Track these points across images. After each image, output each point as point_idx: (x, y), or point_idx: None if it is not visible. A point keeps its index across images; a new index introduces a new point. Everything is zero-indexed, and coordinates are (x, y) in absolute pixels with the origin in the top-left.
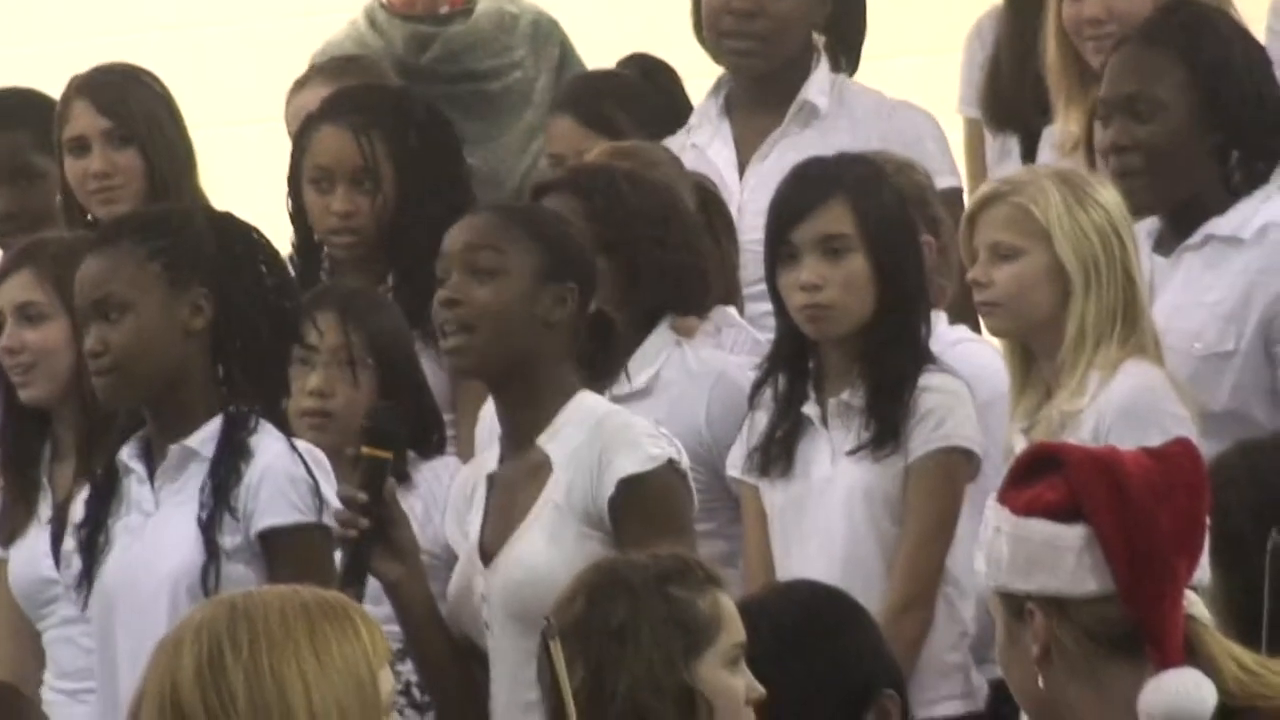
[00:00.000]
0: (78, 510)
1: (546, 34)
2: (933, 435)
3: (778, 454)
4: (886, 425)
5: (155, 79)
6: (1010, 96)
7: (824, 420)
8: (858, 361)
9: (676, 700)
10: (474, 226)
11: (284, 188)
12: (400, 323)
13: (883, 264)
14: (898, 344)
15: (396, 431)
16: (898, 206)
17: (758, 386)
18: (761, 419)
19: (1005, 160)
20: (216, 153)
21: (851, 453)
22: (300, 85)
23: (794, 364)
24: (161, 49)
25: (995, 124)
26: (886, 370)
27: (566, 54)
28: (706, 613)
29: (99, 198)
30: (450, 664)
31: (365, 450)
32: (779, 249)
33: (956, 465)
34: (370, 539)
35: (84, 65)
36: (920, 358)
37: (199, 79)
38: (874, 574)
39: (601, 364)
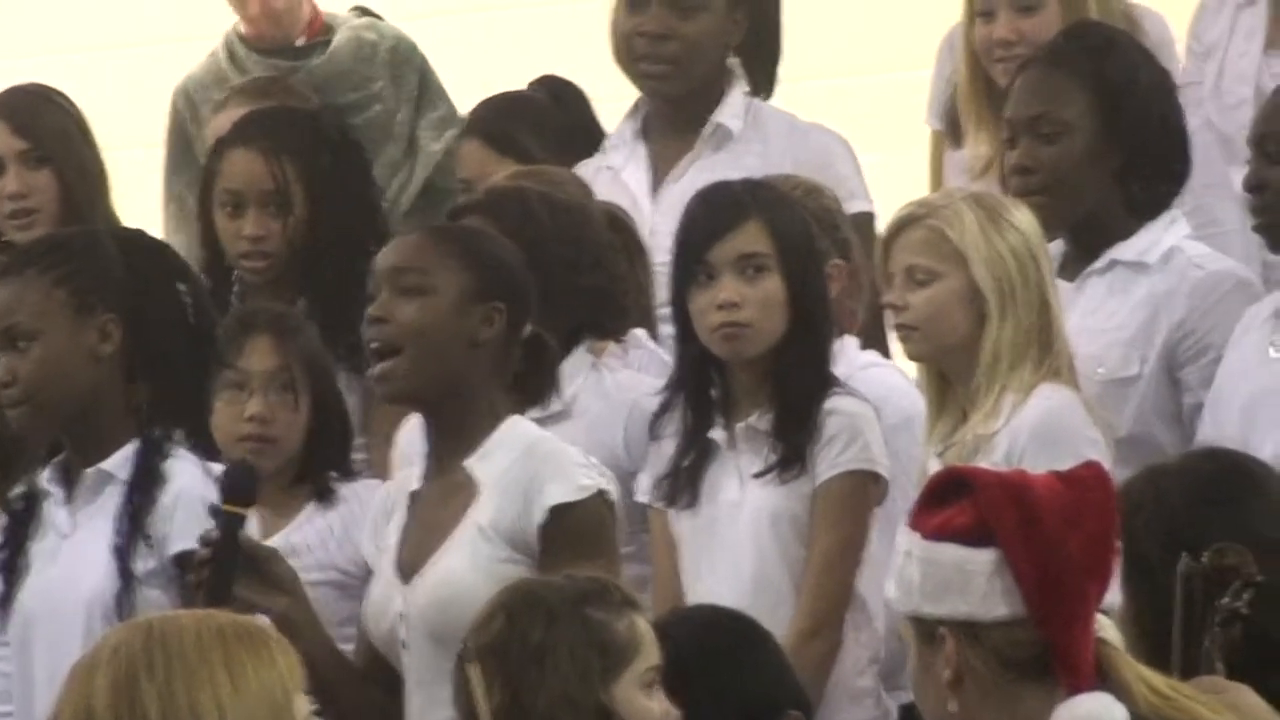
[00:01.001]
0: None
1: (405, 59)
2: (839, 459)
3: (684, 483)
4: (793, 448)
5: (67, 99)
6: None
7: (731, 444)
8: (766, 384)
9: None
10: (403, 246)
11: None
12: (319, 341)
13: (795, 286)
14: (805, 367)
15: (253, 488)
16: (807, 229)
17: (660, 413)
18: (668, 445)
19: (965, 174)
20: (125, 174)
21: (758, 476)
22: (220, 106)
23: (698, 389)
24: (69, 71)
25: (955, 139)
26: (794, 393)
27: (426, 81)
28: (624, 635)
29: (14, 222)
30: (349, 689)
31: (225, 506)
32: (693, 269)
33: (864, 488)
34: (213, 590)
35: None
36: (826, 381)
37: (107, 100)
38: (783, 597)
39: (533, 385)
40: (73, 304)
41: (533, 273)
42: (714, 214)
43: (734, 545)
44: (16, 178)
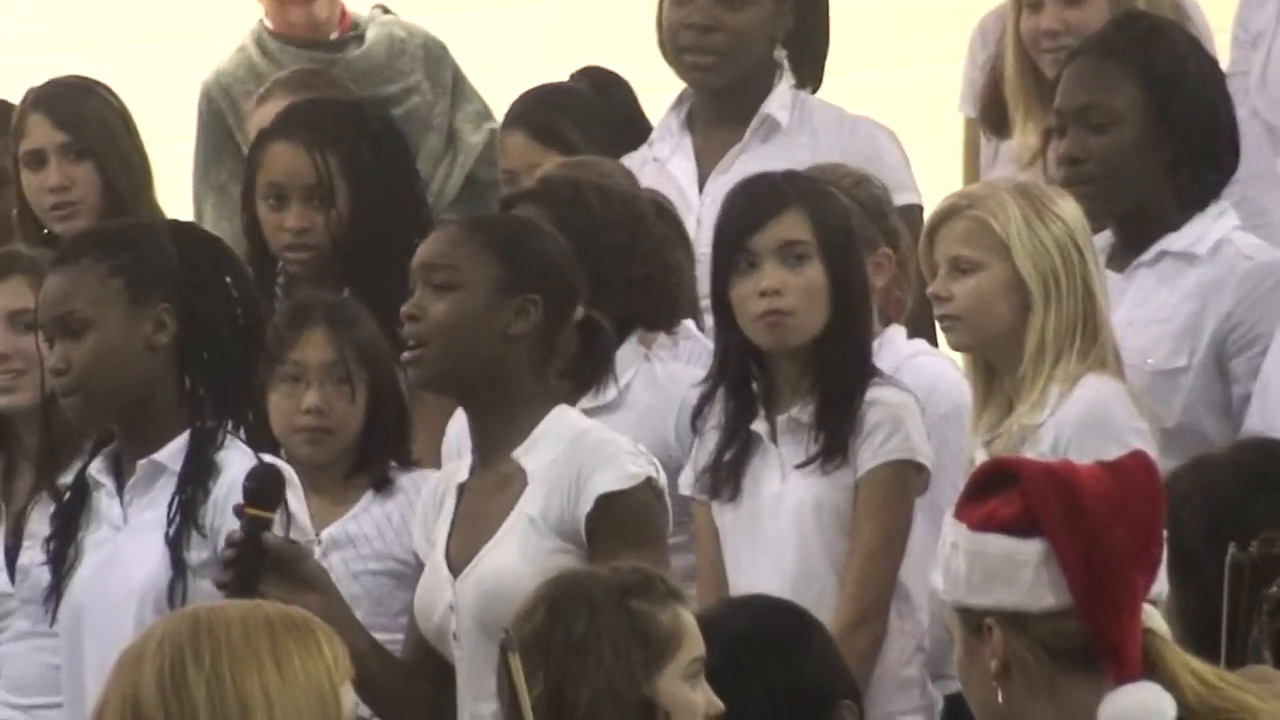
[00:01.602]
0: (38, 524)
1: (438, 57)
2: (881, 449)
3: (726, 476)
4: (835, 439)
5: (110, 92)
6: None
7: (773, 437)
8: (807, 375)
9: (636, 713)
10: (436, 242)
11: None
12: (379, 332)
13: (836, 275)
14: (847, 357)
15: (278, 491)
16: (847, 220)
17: (701, 405)
18: (710, 438)
19: (996, 165)
20: (172, 167)
21: (800, 467)
22: (263, 100)
23: (739, 380)
24: (116, 63)
25: (990, 127)
26: (836, 383)
27: (458, 77)
28: (667, 626)
29: (56, 214)
30: (391, 682)
31: (248, 510)
32: (735, 257)
33: (906, 478)
34: (236, 591)
35: (40, 79)
36: (868, 371)
37: (154, 93)
38: (826, 589)
39: (587, 370)
40: (128, 294)
41: (585, 262)
42: (756, 202)
43: (777, 537)
44: (58, 170)
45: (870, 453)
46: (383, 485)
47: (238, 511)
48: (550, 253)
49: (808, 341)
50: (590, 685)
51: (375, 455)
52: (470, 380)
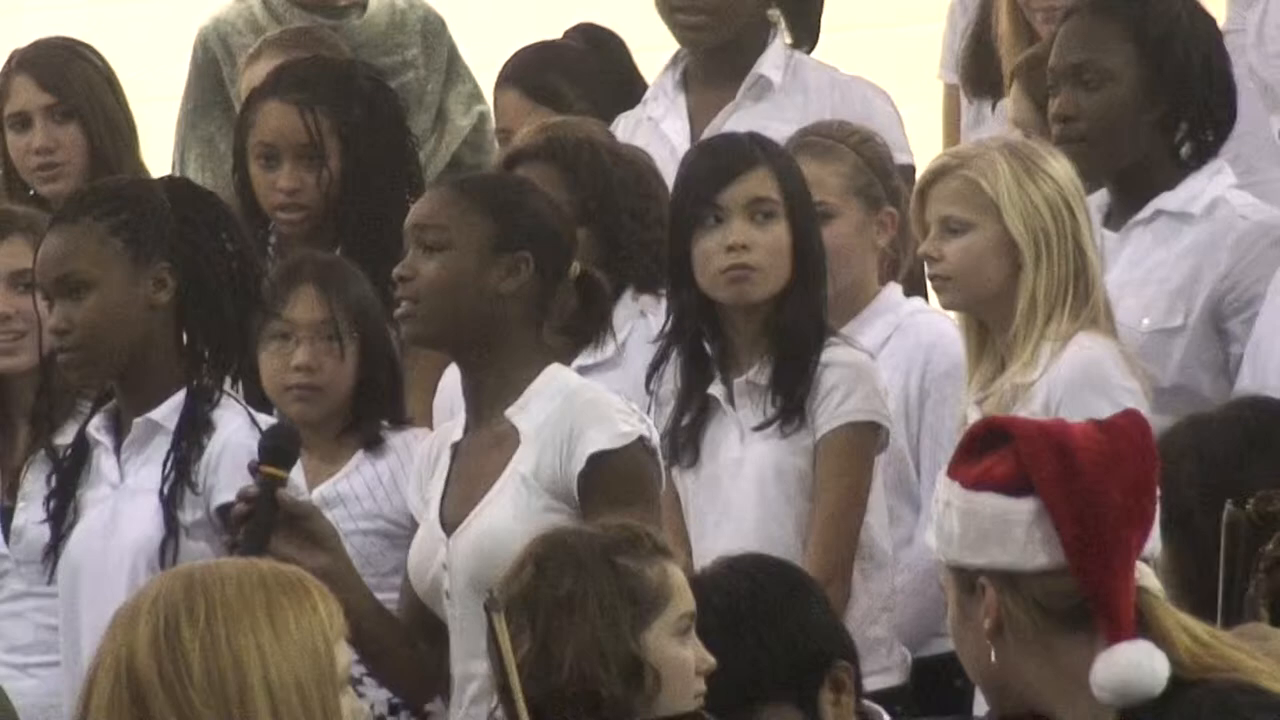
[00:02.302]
0: (33, 484)
1: (436, 33)
2: (839, 410)
3: (685, 441)
4: (792, 401)
5: (96, 53)
6: (988, 63)
7: (730, 400)
8: (764, 336)
9: (623, 670)
10: (427, 202)
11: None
12: (370, 289)
13: (800, 236)
14: (805, 319)
15: (294, 451)
16: (806, 184)
17: (655, 366)
18: (667, 402)
19: (979, 126)
20: (159, 127)
21: (758, 429)
22: (253, 59)
23: (694, 343)
24: (101, 21)
25: (972, 90)
26: (792, 344)
27: (454, 55)
28: (655, 583)
29: (41, 175)
30: (392, 643)
31: (264, 468)
32: (701, 212)
33: (865, 439)
34: (248, 548)
35: (23, 40)
36: (823, 331)
37: (139, 52)
38: (789, 552)
39: (585, 325)
40: (129, 254)
41: (601, 224)
42: (725, 159)
43: (738, 502)
44: (43, 132)
45: (828, 414)
46: (374, 444)
47: (253, 469)
48: (541, 210)
49: (767, 299)
50: (576, 642)
51: (366, 414)
52: (463, 338)
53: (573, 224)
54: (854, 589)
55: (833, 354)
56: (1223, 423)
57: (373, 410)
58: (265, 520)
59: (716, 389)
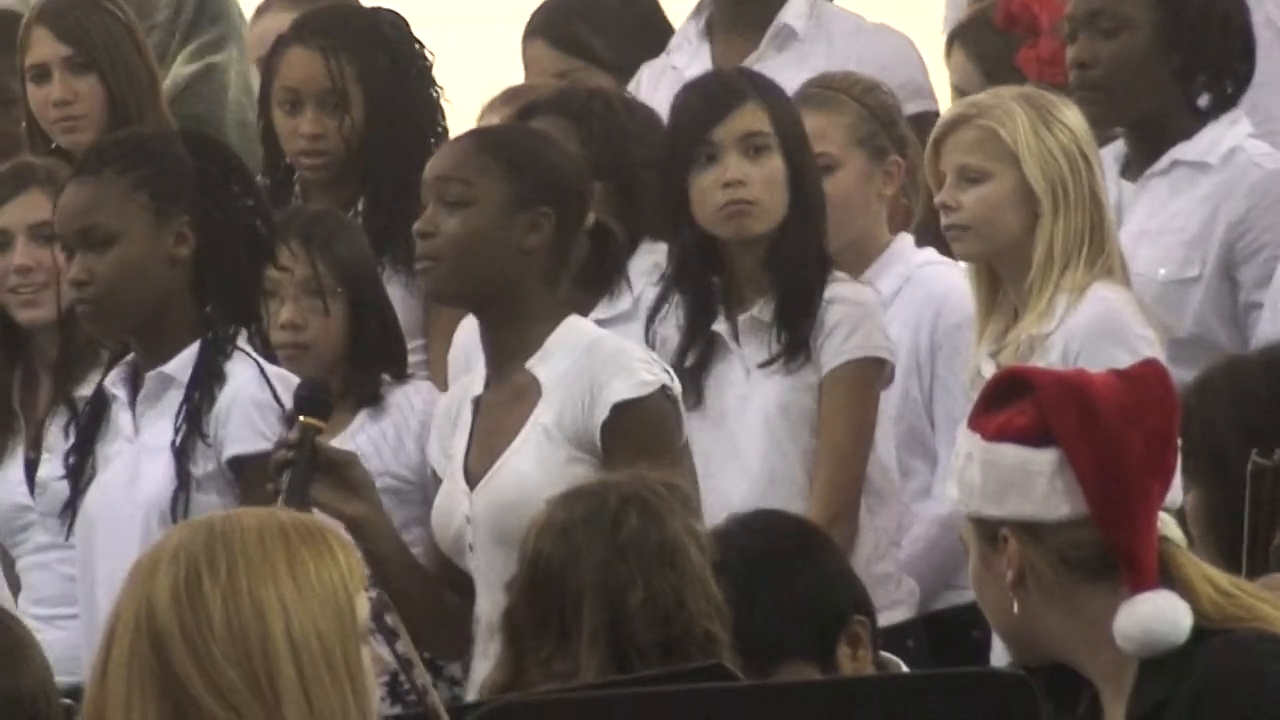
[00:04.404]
0: (56, 437)
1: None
2: (844, 346)
3: (689, 383)
4: (796, 337)
5: (117, 4)
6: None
7: (735, 337)
8: (766, 271)
9: (720, 615)
10: (447, 155)
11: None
12: (364, 245)
13: (794, 169)
14: (806, 252)
15: (329, 401)
16: (799, 116)
17: (658, 306)
18: (669, 336)
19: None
20: None
21: (762, 366)
22: (262, 10)
23: (698, 280)
24: None
25: None
26: (795, 280)
27: (204, 8)
28: (707, 538)
29: (61, 126)
30: (421, 594)
31: (303, 419)
32: (695, 150)
33: (870, 374)
34: (290, 495)
35: None
36: (826, 264)
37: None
38: (796, 489)
39: (600, 276)
40: (152, 207)
41: (618, 175)
42: (715, 95)
43: (743, 439)
44: (61, 84)
45: (833, 351)
46: (373, 402)
47: (290, 420)
48: (560, 165)
49: (768, 233)
50: (690, 587)
51: (362, 373)
52: (484, 294)
53: (588, 177)
54: (860, 524)
55: (836, 290)
56: (1261, 366)
57: (367, 368)
58: (306, 467)
59: (721, 326)
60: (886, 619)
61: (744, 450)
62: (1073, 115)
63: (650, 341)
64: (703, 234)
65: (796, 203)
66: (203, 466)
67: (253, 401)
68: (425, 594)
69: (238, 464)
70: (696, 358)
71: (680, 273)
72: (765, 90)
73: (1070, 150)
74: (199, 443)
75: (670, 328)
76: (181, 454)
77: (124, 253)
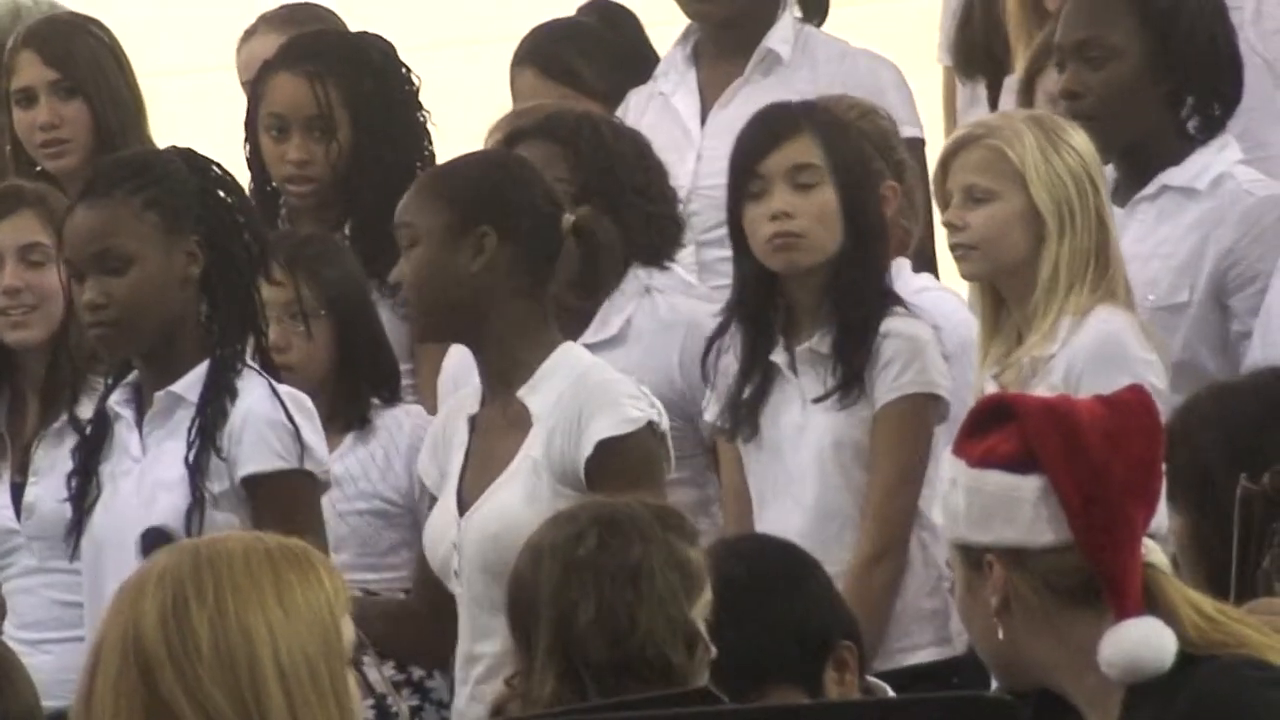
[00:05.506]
0: (44, 459)
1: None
2: (897, 382)
3: (745, 416)
4: (851, 370)
5: (103, 28)
6: (980, 44)
7: (793, 367)
8: (824, 303)
9: (686, 640)
10: (400, 204)
11: (233, 137)
12: (354, 269)
13: (849, 199)
14: (864, 284)
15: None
16: (861, 148)
17: (719, 334)
18: (729, 365)
19: (974, 107)
20: (166, 101)
21: (818, 401)
22: (249, 34)
23: (758, 311)
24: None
25: (965, 71)
26: (854, 311)
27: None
28: (696, 564)
29: (47, 150)
30: (390, 628)
31: None
32: (746, 183)
33: (924, 410)
34: None
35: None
36: (886, 297)
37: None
38: (848, 523)
39: (587, 273)
40: (163, 227)
41: (606, 200)
42: (766, 127)
43: (798, 471)
44: (48, 108)
45: (886, 386)
46: (361, 425)
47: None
48: (487, 179)
49: (821, 265)
50: (647, 611)
51: (349, 395)
52: (457, 326)
53: (540, 183)
54: (912, 559)
55: (891, 324)
56: (1249, 391)
57: (353, 391)
58: None
59: (779, 356)
60: (935, 654)
61: (798, 482)
62: (1080, 138)
63: (708, 371)
64: (761, 265)
65: (852, 234)
66: (218, 484)
67: (266, 420)
68: (392, 628)
69: (251, 483)
70: (753, 390)
71: (740, 302)
72: (821, 123)
73: (1077, 173)
74: (213, 458)
75: (730, 358)
76: (195, 470)
77: (141, 274)
